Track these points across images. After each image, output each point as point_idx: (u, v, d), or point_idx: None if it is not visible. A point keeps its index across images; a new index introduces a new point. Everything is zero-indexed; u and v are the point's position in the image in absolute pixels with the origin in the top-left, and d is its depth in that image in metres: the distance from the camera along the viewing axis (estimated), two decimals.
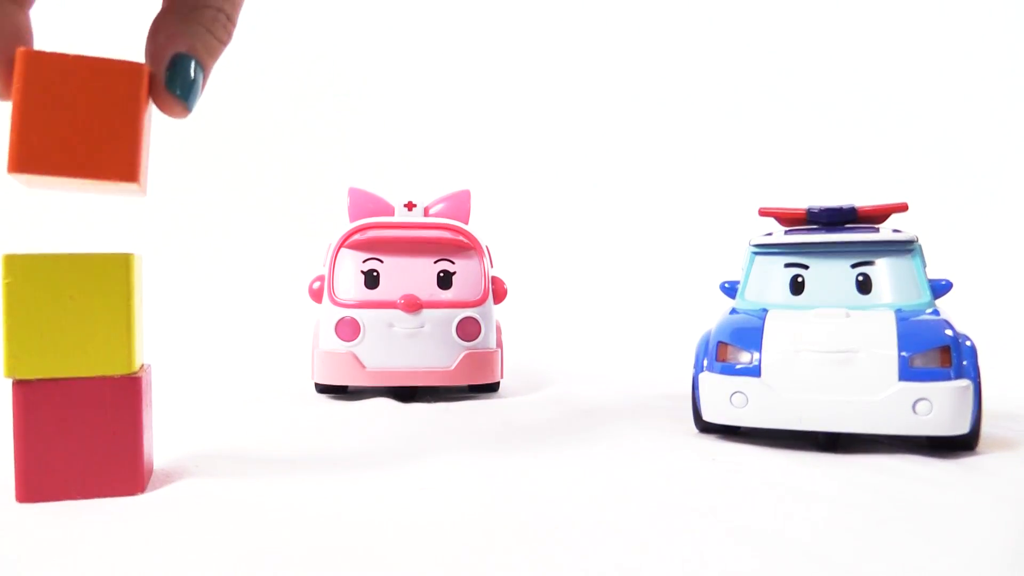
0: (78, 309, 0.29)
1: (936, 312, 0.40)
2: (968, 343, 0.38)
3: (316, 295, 0.55)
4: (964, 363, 0.37)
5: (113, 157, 0.27)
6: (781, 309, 0.42)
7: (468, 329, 0.54)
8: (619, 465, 0.35)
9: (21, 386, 0.29)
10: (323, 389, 0.55)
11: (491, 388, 0.57)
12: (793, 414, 0.38)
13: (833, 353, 0.38)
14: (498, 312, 0.68)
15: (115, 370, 0.29)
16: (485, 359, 0.54)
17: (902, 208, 0.44)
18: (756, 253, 0.45)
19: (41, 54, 0.27)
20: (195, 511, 0.28)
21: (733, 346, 0.40)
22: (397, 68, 1.32)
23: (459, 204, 0.57)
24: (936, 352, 0.37)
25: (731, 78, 1.39)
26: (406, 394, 0.54)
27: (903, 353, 0.37)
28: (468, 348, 0.54)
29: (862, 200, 0.52)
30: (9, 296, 0.28)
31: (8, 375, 0.29)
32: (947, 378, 0.36)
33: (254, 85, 1.31)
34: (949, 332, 0.38)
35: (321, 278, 0.55)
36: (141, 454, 0.30)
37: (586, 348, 0.87)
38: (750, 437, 0.41)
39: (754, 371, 0.39)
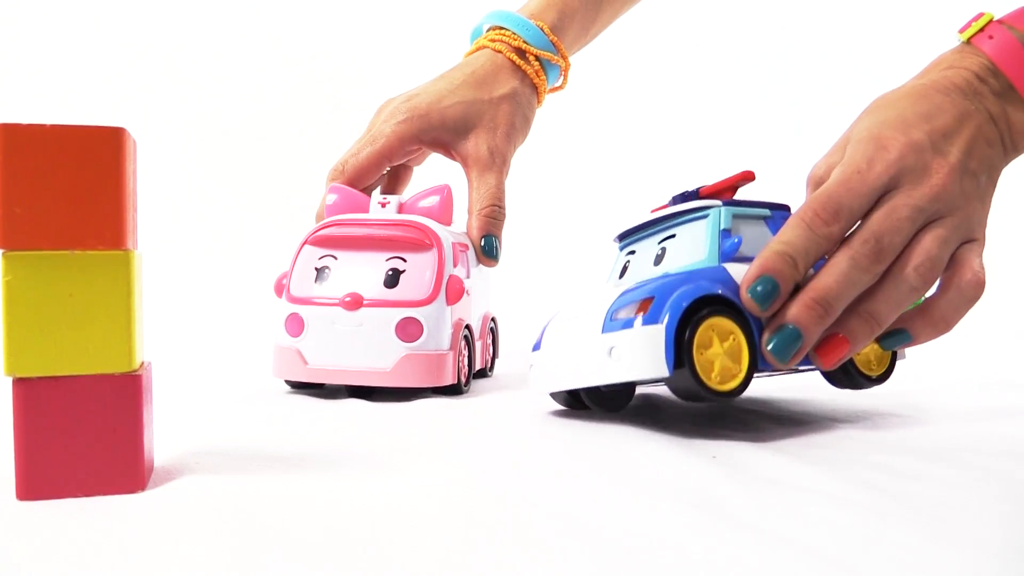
0: (78, 307, 0.29)
1: (717, 269, 0.41)
2: (682, 291, 0.37)
3: (279, 290, 0.55)
4: (664, 311, 0.37)
5: (100, 226, 0.28)
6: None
7: (408, 330, 0.52)
8: (616, 463, 0.35)
9: (21, 384, 0.29)
10: (295, 385, 0.56)
11: (453, 391, 0.55)
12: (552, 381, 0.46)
13: (570, 321, 0.44)
14: (496, 311, 0.67)
15: (115, 368, 0.29)
16: (429, 361, 0.52)
17: (748, 177, 0.45)
18: (619, 246, 0.52)
19: (19, 127, 0.27)
20: (196, 508, 0.28)
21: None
22: (393, 66, 1.32)
23: (440, 200, 0.56)
24: (637, 304, 0.39)
25: (732, 78, 1.39)
26: (362, 392, 0.53)
27: (612, 309, 0.40)
28: (408, 349, 0.52)
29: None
30: (9, 294, 0.28)
31: (8, 373, 0.29)
32: (634, 326, 0.38)
33: (252, 85, 1.31)
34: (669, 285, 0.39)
35: (287, 274, 0.55)
36: (142, 451, 0.30)
37: None
38: (750, 436, 0.41)
39: (536, 345, 0.48)
